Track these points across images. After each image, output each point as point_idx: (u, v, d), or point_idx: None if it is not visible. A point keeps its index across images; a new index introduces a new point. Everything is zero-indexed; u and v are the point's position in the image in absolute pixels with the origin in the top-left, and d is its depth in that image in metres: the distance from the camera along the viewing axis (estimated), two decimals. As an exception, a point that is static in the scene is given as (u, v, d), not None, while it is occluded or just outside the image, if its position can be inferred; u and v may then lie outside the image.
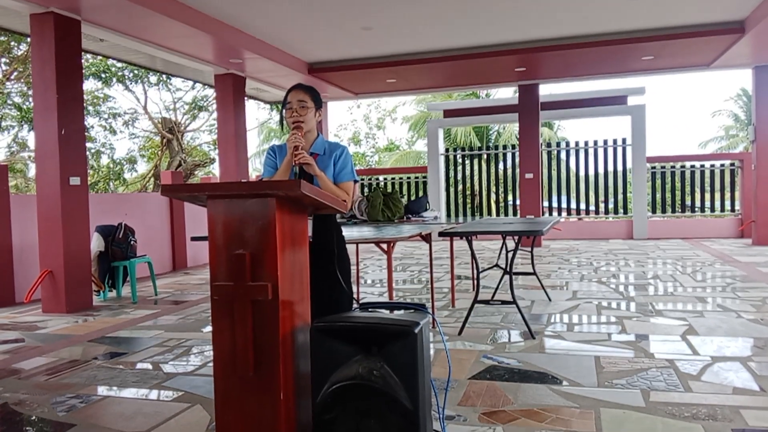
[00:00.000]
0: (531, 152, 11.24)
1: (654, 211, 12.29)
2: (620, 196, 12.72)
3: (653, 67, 10.13)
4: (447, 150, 14.96)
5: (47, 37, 5.85)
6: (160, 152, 19.84)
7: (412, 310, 2.30)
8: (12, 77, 16.12)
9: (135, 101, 18.88)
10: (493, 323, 4.77)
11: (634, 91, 12.30)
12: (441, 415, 2.58)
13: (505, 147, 14.59)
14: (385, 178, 14.30)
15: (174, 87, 18.76)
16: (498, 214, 15.03)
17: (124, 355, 4.18)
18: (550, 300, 5.65)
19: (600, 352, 3.87)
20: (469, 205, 14.57)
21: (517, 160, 12.45)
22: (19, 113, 16.35)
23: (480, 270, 4.83)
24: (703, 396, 3.01)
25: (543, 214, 11.81)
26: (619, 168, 12.42)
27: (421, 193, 13.48)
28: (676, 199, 12.59)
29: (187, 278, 8.15)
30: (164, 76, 16.91)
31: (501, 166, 14.14)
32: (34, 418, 3.03)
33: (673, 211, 12.47)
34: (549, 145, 13.54)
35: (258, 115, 34.63)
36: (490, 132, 20.50)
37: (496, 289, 5.64)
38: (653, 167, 12.18)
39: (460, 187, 13.98)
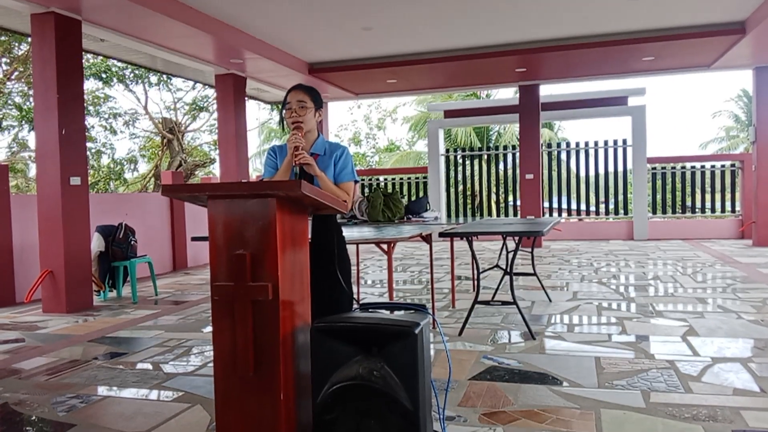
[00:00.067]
0: (531, 153, 11.25)
1: (654, 212, 12.29)
2: (621, 197, 12.72)
3: (654, 67, 10.13)
4: (447, 150, 14.97)
5: (48, 37, 5.85)
6: (160, 152, 19.85)
7: (413, 311, 2.30)
8: (13, 77, 16.13)
9: (135, 101, 18.92)
10: (493, 324, 4.77)
11: (635, 92, 12.30)
12: (441, 416, 2.58)
13: (505, 147, 14.59)
14: (385, 179, 14.30)
15: (174, 87, 18.79)
16: (498, 215, 15.03)
17: (125, 355, 4.18)
18: (550, 301, 5.65)
19: (600, 352, 3.87)
20: (469, 206, 14.57)
21: (517, 160, 12.45)
22: (19, 113, 16.36)
23: (480, 270, 4.83)
24: (703, 397, 3.01)
25: (543, 215, 11.81)
26: (620, 169, 12.42)
27: (421, 194, 13.48)
28: (677, 199, 12.59)
29: (187, 278, 8.15)
30: (165, 76, 16.93)
31: (501, 166, 14.14)
32: (34, 418, 3.03)
33: (674, 211, 12.46)
34: (549, 145, 13.54)
35: (258, 116, 34.63)
36: (491, 132, 20.49)
37: (497, 289, 5.64)
38: (654, 168, 12.18)
39: (460, 187, 13.97)
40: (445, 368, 3.55)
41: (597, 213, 13.44)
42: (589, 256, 9.16)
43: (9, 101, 16.45)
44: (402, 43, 8.80)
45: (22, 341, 4.71)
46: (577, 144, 12.86)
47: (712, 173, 12.07)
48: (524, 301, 5.63)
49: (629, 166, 12.22)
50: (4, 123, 17.02)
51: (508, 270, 4.69)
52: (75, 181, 6.00)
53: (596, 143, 12.50)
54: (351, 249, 3.47)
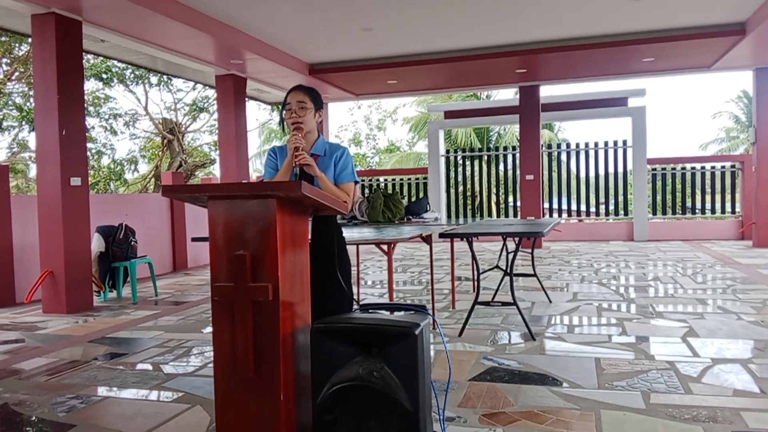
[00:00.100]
0: (531, 154, 11.25)
1: (654, 213, 12.29)
2: (621, 198, 12.72)
3: (654, 68, 10.14)
4: (447, 151, 14.97)
5: (48, 38, 5.86)
6: (160, 153, 19.86)
7: (413, 312, 2.30)
8: (13, 78, 16.14)
9: (136, 102, 18.93)
10: (493, 325, 4.77)
11: (635, 93, 12.30)
12: (441, 417, 2.58)
13: (505, 148, 14.61)
14: (385, 179, 14.31)
15: (175, 88, 18.80)
16: (498, 216, 15.03)
17: (125, 355, 4.18)
18: (550, 301, 5.65)
19: (600, 353, 3.87)
20: (469, 207, 14.58)
21: (517, 161, 12.45)
22: (20, 114, 16.37)
23: (480, 271, 4.83)
24: (703, 398, 3.01)
25: (543, 216, 11.81)
26: (620, 169, 12.42)
27: (421, 195, 13.48)
28: (677, 200, 12.59)
29: (187, 279, 8.15)
30: (165, 76, 16.93)
31: (501, 167, 14.14)
32: (34, 418, 3.03)
33: (674, 212, 12.46)
34: (549, 146, 13.54)
35: (259, 116, 34.70)
36: (491, 133, 20.50)
37: (497, 290, 5.64)
38: (654, 169, 12.18)
39: (460, 188, 13.98)
40: (445, 369, 3.55)
41: (597, 214, 13.44)
42: (589, 257, 9.16)
43: (9, 102, 16.45)
44: (402, 43, 8.80)
45: (22, 342, 4.71)
46: (577, 145, 12.87)
47: (712, 174, 12.08)
48: (524, 301, 5.63)
49: (629, 167, 12.23)
50: (5, 123, 17.03)
51: (508, 271, 4.69)
52: (75, 181, 6.01)
53: (596, 144, 12.50)
54: (351, 250, 3.47)
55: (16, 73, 16.03)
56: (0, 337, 4.87)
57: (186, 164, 19.30)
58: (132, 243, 6.67)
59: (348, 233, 3.68)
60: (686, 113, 51.68)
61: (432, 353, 3.80)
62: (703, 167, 12.25)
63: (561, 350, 3.98)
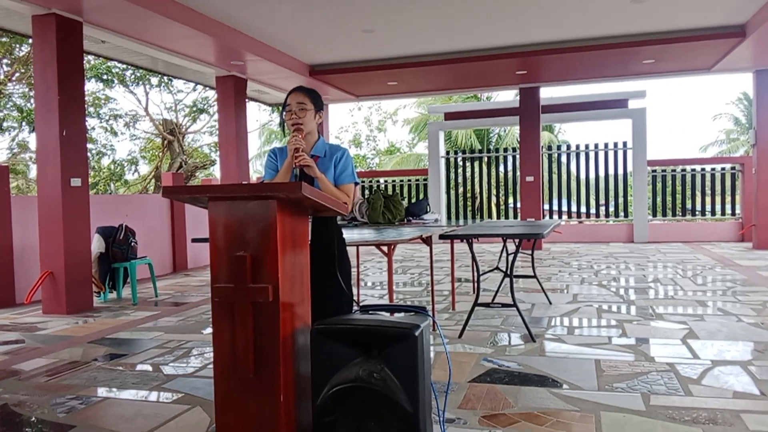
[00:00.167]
0: (532, 155, 11.25)
1: (654, 215, 12.29)
2: (621, 200, 12.72)
3: (654, 70, 10.14)
4: (448, 152, 14.98)
5: (49, 39, 5.86)
6: (161, 154, 19.87)
7: (413, 313, 2.30)
8: (13, 78, 16.15)
9: (136, 103, 18.94)
10: (493, 326, 4.77)
11: (635, 95, 12.30)
12: (441, 418, 2.58)
13: (505, 150, 14.61)
14: (385, 181, 14.31)
15: (175, 89, 18.80)
16: (498, 217, 15.02)
17: (124, 356, 4.18)
18: (550, 303, 5.65)
19: (600, 355, 3.86)
20: (469, 208, 14.58)
21: (517, 162, 12.45)
22: (20, 115, 16.38)
23: (480, 273, 4.83)
24: (703, 400, 3.01)
25: (543, 217, 11.81)
26: (620, 171, 12.42)
27: (421, 196, 13.48)
28: (677, 202, 12.59)
29: (187, 280, 8.15)
30: (165, 77, 16.94)
31: (502, 168, 14.14)
32: (33, 419, 3.03)
33: (674, 214, 12.46)
34: (550, 148, 13.55)
35: (259, 117, 34.70)
36: (491, 135, 20.51)
37: (497, 291, 5.63)
38: (654, 170, 12.18)
39: (460, 189, 13.98)
40: (445, 370, 3.54)
41: (597, 215, 13.45)
42: (589, 259, 9.16)
43: (10, 103, 16.46)
44: (403, 45, 8.81)
45: (21, 342, 4.71)
46: (578, 146, 12.87)
47: (713, 176, 12.08)
48: (524, 303, 5.63)
49: (629, 168, 12.23)
50: (5, 124, 17.03)
51: (508, 272, 4.69)
52: (75, 182, 6.01)
53: (596, 146, 12.50)
54: (351, 251, 3.47)
55: (17, 74, 16.04)
56: (0, 338, 4.87)
57: (186, 165, 19.31)
58: (132, 244, 6.67)
59: (348, 234, 3.68)
60: (686, 115, 51.73)
61: (432, 354, 3.80)
62: (703, 169, 12.25)
63: (561, 352, 3.97)
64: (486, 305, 4.70)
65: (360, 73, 9.82)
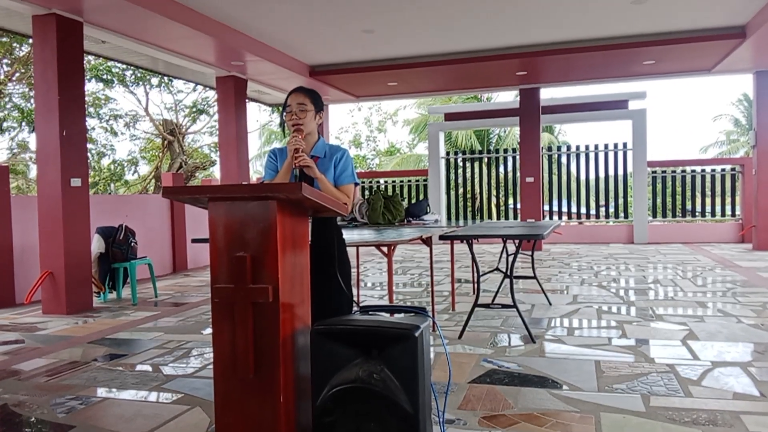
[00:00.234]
0: (532, 156, 11.25)
1: (654, 216, 12.29)
2: (621, 201, 12.72)
3: (654, 71, 10.14)
4: (448, 153, 14.97)
5: (49, 39, 5.86)
6: (161, 154, 19.87)
7: (413, 314, 2.30)
8: (14, 78, 16.15)
9: (136, 103, 18.95)
10: (493, 327, 4.77)
11: (635, 96, 12.31)
12: (441, 419, 2.58)
13: (506, 150, 14.60)
14: (385, 181, 14.31)
15: (175, 89, 18.81)
16: (499, 218, 15.03)
17: (124, 356, 4.18)
18: (550, 304, 5.65)
19: (600, 356, 3.86)
20: (469, 209, 14.58)
21: (517, 163, 12.45)
22: (20, 115, 16.38)
23: (480, 273, 4.83)
24: (703, 401, 3.01)
25: (543, 218, 11.81)
26: (620, 172, 12.42)
27: (421, 197, 13.48)
28: (677, 203, 12.59)
29: (187, 280, 8.15)
30: (166, 78, 16.94)
31: (502, 169, 14.15)
32: (33, 419, 3.02)
33: (674, 215, 12.47)
34: (550, 149, 13.56)
35: (259, 118, 34.70)
36: (491, 135, 20.51)
37: (497, 292, 5.63)
38: (654, 171, 12.18)
39: (460, 190, 13.98)
40: (445, 371, 3.54)
41: (597, 216, 13.45)
42: (589, 260, 9.16)
43: (10, 103, 16.46)
44: (403, 45, 8.81)
45: (21, 342, 4.71)
46: (578, 147, 12.87)
47: (713, 177, 12.08)
48: (524, 304, 5.63)
49: (629, 169, 12.23)
50: (5, 124, 17.03)
51: (508, 273, 4.69)
52: (75, 182, 6.01)
53: (596, 147, 12.51)
54: (351, 251, 3.47)
55: (17, 74, 16.04)
56: (0, 338, 4.86)
57: (186, 165, 19.31)
58: (132, 244, 6.67)
59: (348, 235, 3.68)
60: (686, 116, 51.77)
61: (432, 355, 3.80)
62: (703, 170, 12.26)
63: (561, 353, 3.97)
64: (486, 306, 4.70)
65: (360, 73, 9.83)
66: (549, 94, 12.37)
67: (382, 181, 14.42)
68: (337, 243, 2.86)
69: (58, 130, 5.84)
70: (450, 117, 13.53)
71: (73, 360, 4.11)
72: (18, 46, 15.48)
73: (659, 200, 12.29)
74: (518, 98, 11.58)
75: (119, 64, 15.27)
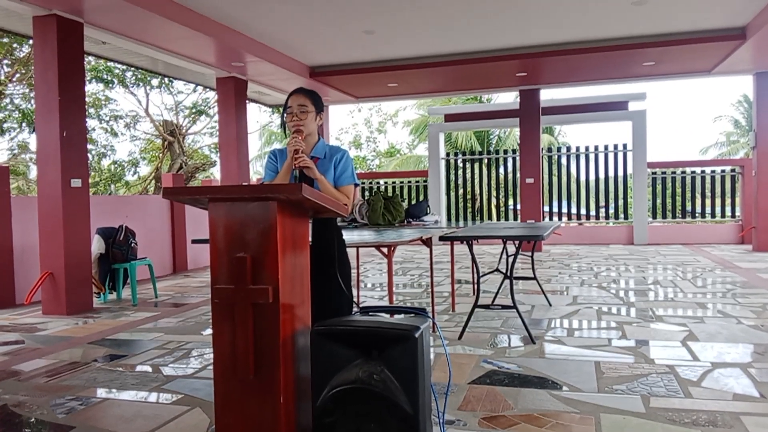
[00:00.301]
0: (532, 157, 11.25)
1: (654, 217, 12.29)
2: (621, 202, 12.72)
3: (654, 72, 10.15)
4: (448, 154, 14.98)
5: (50, 40, 5.86)
6: (161, 155, 19.87)
7: (413, 315, 2.30)
8: (14, 79, 16.15)
9: (137, 104, 18.95)
10: (493, 328, 4.77)
11: (635, 97, 12.31)
12: (441, 420, 2.58)
13: (506, 152, 14.60)
14: (386, 182, 14.32)
15: (175, 90, 18.82)
16: (499, 219, 15.03)
17: (124, 357, 4.18)
18: (550, 305, 5.65)
19: (600, 357, 3.86)
20: (469, 210, 14.58)
21: (517, 164, 12.45)
22: (21, 115, 16.38)
23: (480, 274, 4.83)
24: (703, 402, 3.01)
25: (543, 219, 11.81)
26: (620, 173, 12.43)
27: (421, 197, 13.48)
28: (677, 204, 12.60)
29: (187, 281, 8.15)
30: (166, 78, 16.95)
31: (502, 170, 14.15)
32: (33, 420, 3.02)
33: (674, 216, 12.47)
34: (550, 150, 13.55)
35: (259, 119, 34.70)
36: (491, 136, 20.52)
37: (497, 293, 5.63)
38: (654, 173, 12.18)
39: (460, 191, 13.98)
40: (444, 372, 3.54)
41: (597, 217, 13.45)
42: (589, 261, 9.16)
43: (10, 104, 16.47)
44: (403, 46, 8.81)
45: (21, 343, 4.71)
46: (578, 148, 12.88)
47: (713, 178, 12.08)
48: (524, 305, 5.63)
49: (629, 170, 12.23)
50: (6, 125, 17.04)
51: (508, 274, 4.69)
52: (76, 183, 6.01)
53: (596, 148, 12.51)
54: (351, 252, 3.47)
55: (17, 75, 16.05)
56: (0, 339, 4.86)
57: (186, 166, 19.31)
58: (132, 245, 6.67)
59: (348, 236, 3.69)
60: (686, 117, 51.79)
61: (432, 356, 3.80)
62: (703, 171, 12.26)
63: (561, 353, 3.97)
64: (486, 307, 4.70)
65: (360, 74, 9.83)
66: (549, 95, 12.42)
67: (382, 182, 14.43)
68: (337, 244, 2.86)
69: (58, 131, 5.85)
70: (450, 118, 13.54)
71: (73, 360, 4.11)
72: (18, 46, 15.49)
73: (659, 201, 12.29)
74: (518, 99, 11.59)
75: (119, 65, 15.29)
